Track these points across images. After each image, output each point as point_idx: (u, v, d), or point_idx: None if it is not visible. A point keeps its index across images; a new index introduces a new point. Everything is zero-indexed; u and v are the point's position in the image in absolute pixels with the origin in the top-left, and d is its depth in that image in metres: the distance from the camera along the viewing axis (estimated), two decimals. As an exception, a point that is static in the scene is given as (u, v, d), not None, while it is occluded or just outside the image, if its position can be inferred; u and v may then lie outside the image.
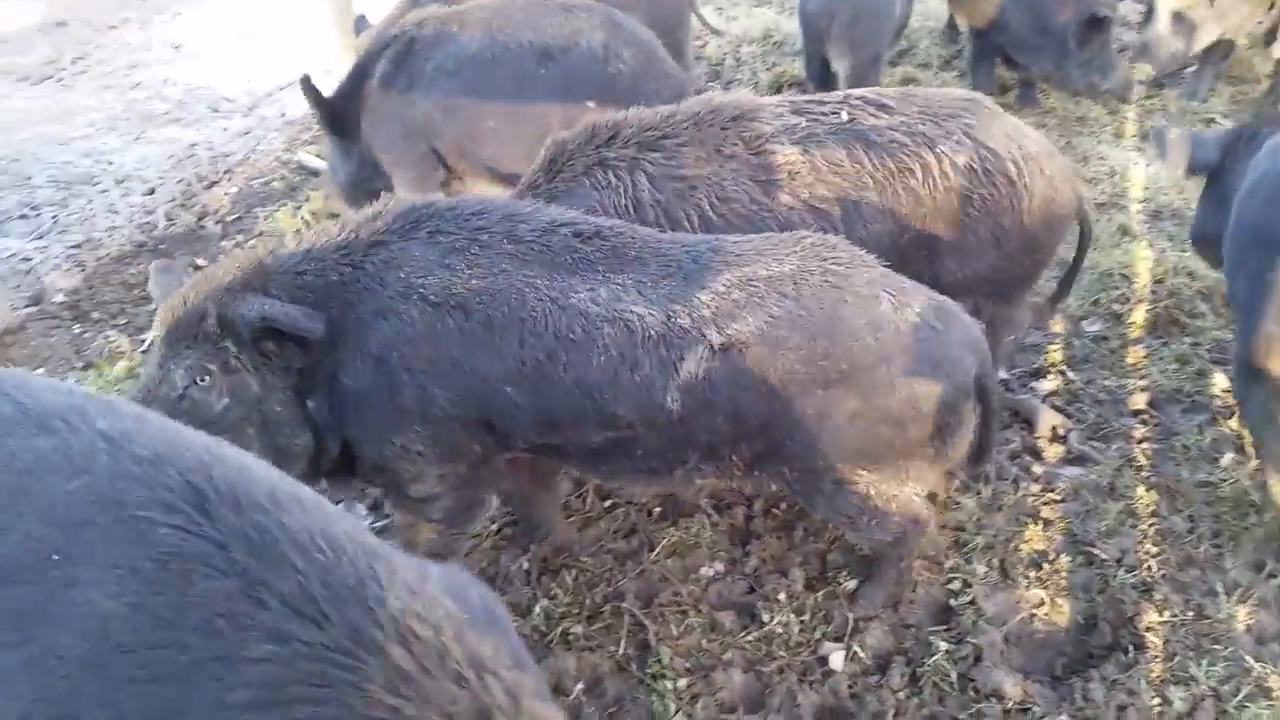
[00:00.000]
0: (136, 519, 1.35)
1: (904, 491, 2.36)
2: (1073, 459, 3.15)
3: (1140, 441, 3.16)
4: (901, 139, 2.68)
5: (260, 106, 6.04)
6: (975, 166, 2.68)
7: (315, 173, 5.05)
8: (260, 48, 6.80)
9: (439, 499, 2.43)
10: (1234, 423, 3.15)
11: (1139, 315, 3.70)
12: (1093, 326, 3.70)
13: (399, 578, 1.37)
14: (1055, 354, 3.57)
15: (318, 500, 1.51)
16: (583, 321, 2.17)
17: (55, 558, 1.34)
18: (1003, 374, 3.51)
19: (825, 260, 2.22)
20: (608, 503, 2.99)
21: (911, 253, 2.70)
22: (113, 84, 6.37)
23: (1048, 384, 3.46)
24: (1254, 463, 2.97)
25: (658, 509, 2.96)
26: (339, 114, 3.87)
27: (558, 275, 2.22)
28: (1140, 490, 2.96)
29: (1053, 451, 3.18)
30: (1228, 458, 3.04)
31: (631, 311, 2.16)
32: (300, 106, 5.92)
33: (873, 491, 2.31)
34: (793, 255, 2.22)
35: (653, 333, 2.14)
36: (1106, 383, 3.43)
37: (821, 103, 2.80)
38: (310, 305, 2.23)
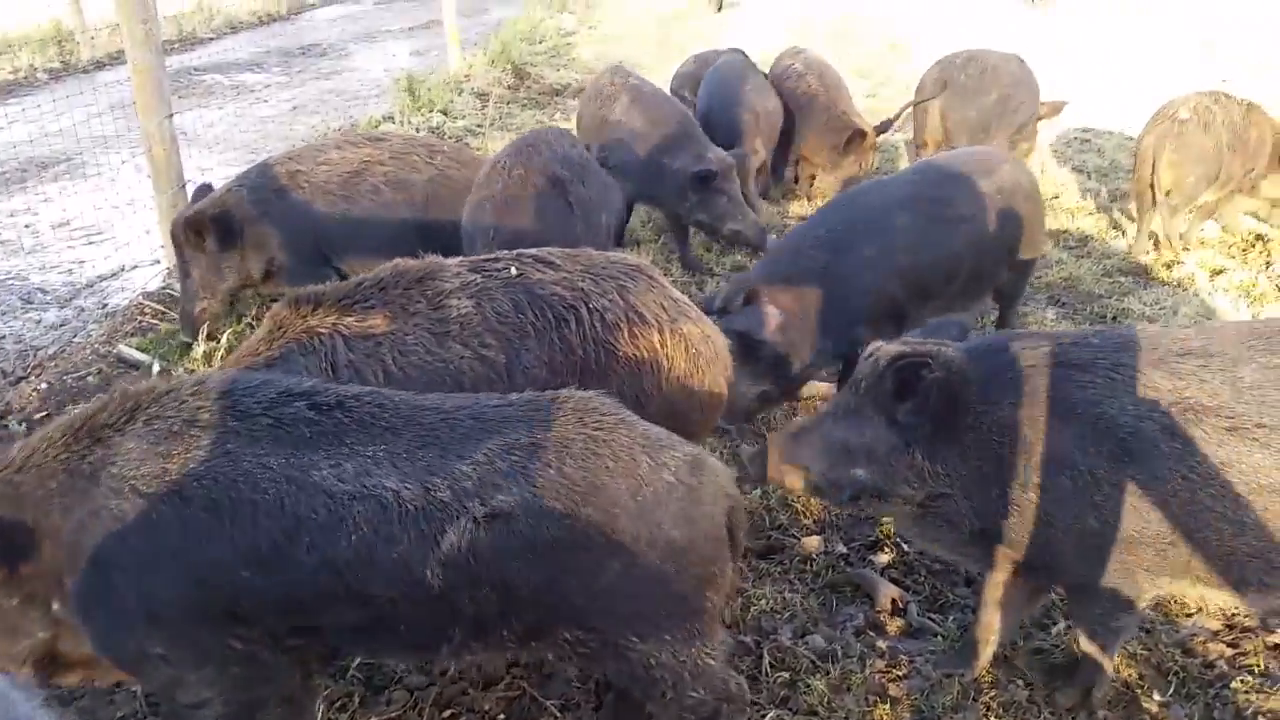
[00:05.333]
0: None
1: (692, 655, 2.31)
2: (914, 632, 3.20)
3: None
4: (561, 292, 2.92)
5: (79, 298, 5.79)
6: (622, 326, 2.89)
7: (135, 365, 4.83)
8: (83, 236, 6.59)
9: (209, 704, 2.25)
10: (1059, 588, 3.28)
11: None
12: (921, 497, 3.83)
13: None
14: (888, 525, 3.67)
15: None
16: (326, 500, 2.10)
17: None
18: (841, 547, 3.58)
19: (587, 425, 2.24)
20: (446, 713, 2.81)
21: None
22: (-87, 275, 6.00)
23: (884, 556, 3.54)
24: (1080, 627, 3.09)
25: (501, 715, 2.81)
26: None
27: (295, 451, 2.16)
28: (979, 662, 3.01)
29: (895, 625, 3.22)
30: (1059, 625, 3.14)
31: (384, 487, 2.11)
32: (124, 296, 5.74)
33: (654, 660, 2.27)
34: (555, 420, 2.24)
35: (410, 507, 2.10)
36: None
37: (495, 259, 3.06)
38: (28, 514, 2.15)
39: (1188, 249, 6.57)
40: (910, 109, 7.42)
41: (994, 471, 2.61)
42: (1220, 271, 6.24)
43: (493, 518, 2.09)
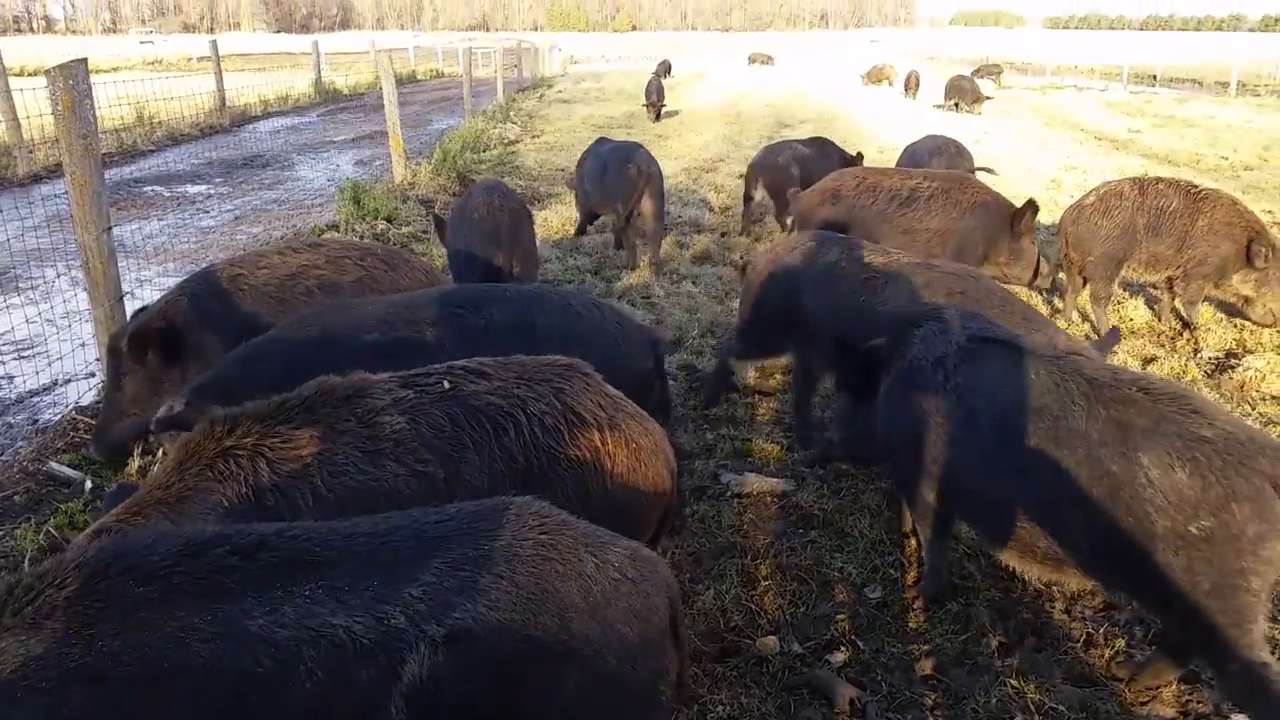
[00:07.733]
0: None
1: None
2: (873, 733, 3.14)
3: (933, 709, 3.19)
4: (498, 401, 2.90)
5: (8, 414, 5.63)
6: (562, 429, 2.88)
7: (67, 482, 4.67)
8: (13, 351, 6.45)
9: None
10: (1016, 681, 3.26)
11: (912, 578, 3.85)
12: (874, 594, 3.81)
13: None
14: (843, 623, 3.64)
15: None
16: (270, 650, 1.95)
17: None
18: (797, 647, 3.52)
19: (533, 530, 2.21)
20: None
21: None
22: None
23: (840, 655, 3.49)
24: (1039, 720, 3.06)
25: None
26: None
27: (219, 603, 1.99)
28: (940, 761, 2.96)
29: (853, 727, 3.16)
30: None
31: (332, 624, 1.98)
32: (56, 411, 5.59)
33: None
34: (499, 530, 2.19)
35: (366, 641, 1.99)
36: (894, 650, 3.50)
37: (428, 374, 3.00)
38: None
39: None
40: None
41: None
42: (1151, 359, 6.42)
43: (452, 639, 2.01)
